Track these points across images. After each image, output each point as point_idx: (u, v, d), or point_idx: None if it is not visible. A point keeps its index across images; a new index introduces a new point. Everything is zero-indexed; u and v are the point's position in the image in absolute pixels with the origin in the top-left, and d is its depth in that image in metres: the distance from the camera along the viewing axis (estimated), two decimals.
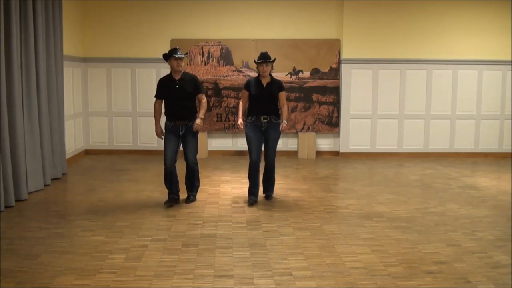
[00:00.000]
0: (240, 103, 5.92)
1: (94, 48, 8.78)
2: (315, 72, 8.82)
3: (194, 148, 5.67)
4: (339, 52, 8.80)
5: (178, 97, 5.54)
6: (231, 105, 8.79)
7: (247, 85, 5.82)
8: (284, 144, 9.00)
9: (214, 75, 8.77)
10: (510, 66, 8.87)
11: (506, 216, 5.33)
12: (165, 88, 5.61)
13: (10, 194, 5.45)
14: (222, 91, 8.76)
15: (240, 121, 5.80)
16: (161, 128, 5.72)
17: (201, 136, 8.74)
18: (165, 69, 8.80)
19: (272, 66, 5.75)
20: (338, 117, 8.89)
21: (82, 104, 8.70)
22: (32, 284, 3.54)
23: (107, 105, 8.87)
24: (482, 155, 9.05)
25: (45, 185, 6.39)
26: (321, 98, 8.85)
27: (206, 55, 8.71)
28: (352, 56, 8.79)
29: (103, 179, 6.96)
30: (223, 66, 8.77)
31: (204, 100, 5.70)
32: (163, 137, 5.69)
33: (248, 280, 3.65)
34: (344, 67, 8.82)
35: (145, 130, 8.90)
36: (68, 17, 7.79)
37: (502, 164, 8.38)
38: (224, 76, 8.77)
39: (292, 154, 8.99)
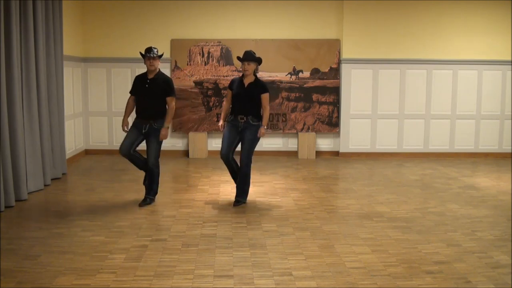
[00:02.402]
0: (224, 102, 5.84)
1: (94, 48, 8.78)
2: (315, 72, 8.82)
3: (156, 150, 5.57)
4: (339, 52, 8.80)
5: (147, 97, 5.51)
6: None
7: (231, 84, 5.72)
8: (284, 144, 9.01)
9: (214, 75, 8.78)
10: (510, 66, 8.87)
11: (506, 216, 5.34)
12: (137, 86, 5.62)
13: (10, 194, 5.45)
14: (222, 91, 8.75)
15: (220, 123, 5.76)
16: (128, 122, 5.69)
17: (201, 136, 8.75)
18: (165, 69, 8.82)
19: (257, 67, 5.61)
20: (338, 117, 8.89)
21: (82, 104, 8.70)
22: (32, 284, 3.54)
23: (107, 105, 8.87)
24: (482, 155, 9.05)
25: (45, 185, 6.39)
26: (321, 98, 8.85)
27: (206, 55, 8.70)
28: (352, 56, 8.79)
29: (103, 179, 6.96)
30: (223, 66, 8.77)
31: (172, 105, 5.56)
32: (126, 129, 5.67)
33: (248, 280, 3.65)
34: (344, 67, 8.82)
35: None
36: (68, 17, 7.79)
37: (502, 164, 8.38)
38: (224, 76, 8.77)
39: (292, 154, 8.99)
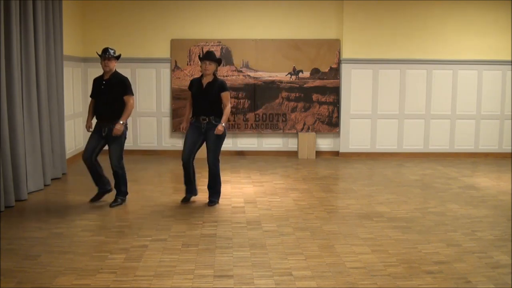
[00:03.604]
0: (188, 104, 5.73)
1: (94, 48, 8.71)
2: (315, 72, 8.82)
3: (117, 151, 5.50)
4: (339, 52, 8.80)
5: (104, 98, 5.46)
6: (231, 105, 8.77)
7: (190, 85, 5.66)
8: (284, 144, 9.01)
9: None
10: (510, 66, 8.87)
11: (506, 216, 5.33)
12: (94, 87, 5.58)
13: (10, 194, 5.44)
14: None
15: (183, 125, 5.71)
16: (91, 124, 5.68)
17: None
18: (165, 69, 8.83)
19: (216, 68, 5.54)
20: (338, 117, 8.89)
21: (82, 104, 8.69)
22: (32, 284, 3.54)
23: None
24: (482, 155, 9.05)
25: (45, 185, 6.39)
26: (321, 98, 8.85)
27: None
28: (352, 56, 8.79)
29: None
30: (223, 66, 8.76)
31: (130, 103, 5.47)
32: (90, 130, 5.66)
33: (248, 280, 3.65)
34: (344, 67, 8.82)
35: (145, 130, 8.91)
36: (68, 17, 7.79)
37: (502, 164, 8.38)
38: (224, 76, 8.75)
39: (292, 154, 8.99)
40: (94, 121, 5.68)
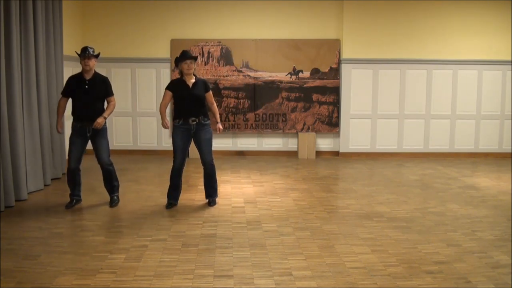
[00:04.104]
0: (162, 105, 5.52)
1: (94, 48, 8.75)
2: (315, 72, 8.82)
3: (106, 148, 5.49)
4: (339, 52, 8.80)
5: (87, 98, 5.39)
6: (231, 105, 8.80)
7: (171, 86, 5.53)
8: (284, 144, 9.01)
9: (214, 75, 8.78)
10: (510, 66, 8.87)
11: (506, 216, 5.33)
12: (73, 87, 5.43)
13: (10, 194, 5.45)
14: (222, 91, 8.76)
15: (166, 120, 5.56)
16: (62, 123, 5.64)
17: None
18: (165, 69, 8.83)
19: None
20: (338, 117, 8.89)
21: None
22: (32, 284, 3.54)
23: (107, 105, 8.85)
24: (482, 155, 9.05)
25: (45, 185, 6.39)
26: (321, 98, 8.85)
27: (206, 55, 8.70)
28: (352, 56, 8.79)
29: (103, 179, 6.94)
30: (223, 66, 8.78)
31: (113, 102, 5.53)
32: (60, 131, 5.62)
33: (248, 280, 3.65)
34: (344, 67, 8.82)
35: (145, 130, 8.91)
36: (68, 17, 7.79)
37: (502, 164, 8.38)
38: (224, 76, 8.78)
39: (292, 154, 8.99)
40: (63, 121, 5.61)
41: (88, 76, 5.42)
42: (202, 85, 5.50)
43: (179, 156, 5.50)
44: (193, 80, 5.46)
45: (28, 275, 3.68)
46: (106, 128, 5.54)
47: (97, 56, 5.44)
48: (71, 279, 3.62)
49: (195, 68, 5.50)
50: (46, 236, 4.54)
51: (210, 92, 5.57)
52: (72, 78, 5.49)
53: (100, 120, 5.36)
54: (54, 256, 4.05)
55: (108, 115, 5.50)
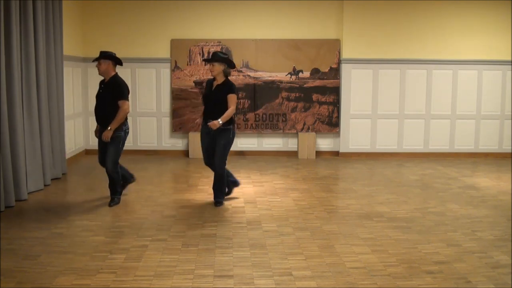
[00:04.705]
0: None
1: (94, 48, 8.76)
2: (315, 72, 8.82)
3: (112, 155, 5.44)
4: (339, 52, 8.80)
5: (99, 101, 5.47)
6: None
7: (205, 86, 5.62)
8: (284, 144, 9.01)
9: None
10: (510, 66, 8.87)
11: (506, 216, 5.33)
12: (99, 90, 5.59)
13: (10, 194, 5.45)
14: None
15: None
16: (97, 128, 5.67)
17: None
18: (165, 69, 8.83)
19: (226, 69, 5.38)
20: (338, 117, 8.89)
21: (82, 104, 8.70)
22: (32, 284, 3.54)
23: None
24: (482, 155, 9.05)
25: (45, 185, 6.39)
26: (321, 98, 8.85)
27: (206, 55, 8.70)
28: (352, 56, 8.79)
29: (103, 179, 6.92)
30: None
31: (123, 108, 5.34)
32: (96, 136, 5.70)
33: (248, 280, 3.65)
34: (344, 67, 8.82)
35: (145, 130, 8.91)
36: (68, 17, 7.79)
37: (502, 164, 8.38)
38: None
39: (292, 154, 8.99)
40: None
41: (106, 80, 5.50)
42: (226, 88, 5.39)
43: (204, 155, 5.63)
44: (219, 83, 5.42)
45: (28, 275, 3.68)
46: (119, 136, 5.44)
47: (107, 58, 5.38)
48: (71, 279, 3.62)
49: (224, 71, 5.39)
50: (46, 236, 4.54)
51: (233, 95, 5.36)
52: (100, 82, 5.62)
53: (105, 133, 5.36)
54: (54, 256, 4.05)
55: (116, 125, 5.34)
